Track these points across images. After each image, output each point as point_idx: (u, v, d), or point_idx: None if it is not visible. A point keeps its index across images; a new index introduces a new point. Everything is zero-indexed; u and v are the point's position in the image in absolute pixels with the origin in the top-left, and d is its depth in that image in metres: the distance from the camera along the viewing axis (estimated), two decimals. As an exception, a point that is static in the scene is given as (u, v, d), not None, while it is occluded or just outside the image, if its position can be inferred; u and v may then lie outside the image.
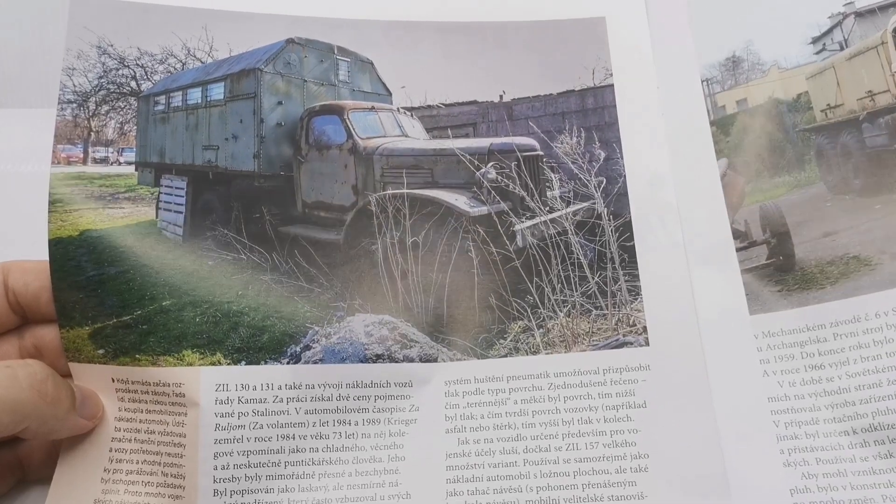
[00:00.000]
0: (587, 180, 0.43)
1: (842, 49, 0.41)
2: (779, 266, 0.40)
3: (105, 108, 0.43)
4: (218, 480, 0.36)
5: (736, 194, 0.41)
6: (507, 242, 0.42)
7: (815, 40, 0.41)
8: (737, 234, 0.40)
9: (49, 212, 0.38)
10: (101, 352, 0.37)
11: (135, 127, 0.43)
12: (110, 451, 0.36)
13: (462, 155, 0.44)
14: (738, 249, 0.39)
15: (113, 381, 0.37)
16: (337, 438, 0.37)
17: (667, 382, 0.38)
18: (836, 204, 0.40)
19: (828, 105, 0.42)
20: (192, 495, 0.35)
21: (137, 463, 0.36)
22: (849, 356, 0.36)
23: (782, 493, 0.35)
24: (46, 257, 0.37)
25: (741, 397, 0.37)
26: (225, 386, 0.37)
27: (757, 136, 0.41)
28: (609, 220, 0.42)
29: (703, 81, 0.43)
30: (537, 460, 0.37)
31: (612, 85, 0.44)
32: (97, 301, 0.38)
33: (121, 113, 0.44)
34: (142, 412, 0.37)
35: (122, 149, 0.43)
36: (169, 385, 0.36)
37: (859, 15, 0.40)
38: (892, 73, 0.40)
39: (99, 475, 0.36)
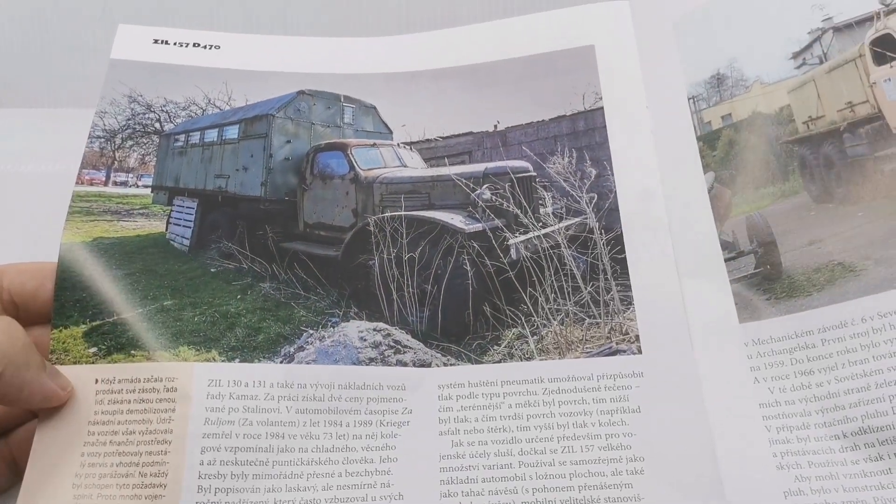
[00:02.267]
0: (579, 197, 0.43)
1: (821, 62, 0.41)
2: (766, 275, 0.39)
3: (130, 143, 0.45)
4: (203, 476, 0.33)
5: (723, 206, 0.41)
6: (502, 255, 0.42)
7: (795, 55, 0.41)
8: (725, 245, 0.39)
9: (67, 220, 0.39)
10: (92, 350, 0.36)
11: (154, 158, 0.45)
12: (82, 455, 0.34)
13: (458, 179, 0.45)
14: (726, 260, 0.39)
15: (96, 381, 0.35)
16: (327, 439, 0.35)
17: (660, 389, 0.36)
18: (820, 212, 0.40)
19: (809, 117, 0.41)
20: (174, 493, 0.33)
21: (112, 466, 0.34)
22: (837, 361, 0.34)
23: (776, 495, 0.33)
24: (46, 257, 0.37)
25: (733, 403, 0.35)
26: (217, 381, 0.35)
27: (741, 149, 0.41)
28: (601, 233, 0.41)
29: (689, 99, 0.43)
30: (532, 462, 0.35)
31: (602, 108, 0.44)
32: (100, 299, 0.37)
33: (143, 147, 0.45)
34: (122, 413, 0.35)
35: (141, 175, 0.44)
36: (161, 380, 0.35)
37: (837, 30, 0.41)
38: (871, 84, 0.39)
39: (70, 481, 0.34)
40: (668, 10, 0.44)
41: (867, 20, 0.39)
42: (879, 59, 0.39)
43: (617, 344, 0.38)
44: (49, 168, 0.58)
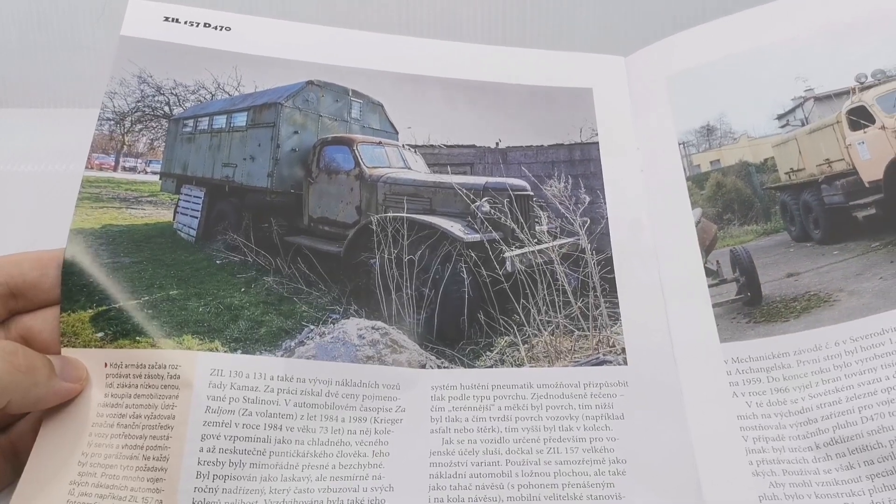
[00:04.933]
0: (573, 219, 0.44)
1: (803, 125, 0.43)
2: (747, 301, 0.40)
3: (139, 126, 0.44)
4: (202, 463, 0.33)
5: (709, 239, 0.42)
6: (497, 267, 0.42)
7: (780, 117, 0.44)
8: (709, 273, 0.41)
9: (76, 206, 0.39)
10: (99, 335, 0.36)
11: (163, 143, 0.44)
12: (89, 435, 0.34)
13: (459, 189, 0.45)
14: (710, 286, 0.40)
15: (105, 365, 0.35)
16: (323, 433, 0.35)
17: (644, 398, 0.37)
18: (799, 250, 0.42)
19: (791, 169, 0.44)
20: (174, 477, 0.33)
21: (118, 448, 0.34)
22: (811, 380, 0.36)
23: (752, 499, 0.34)
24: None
25: (713, 415, 0.37)
26: (220, 371, 0.35)
27: (728, 191, 0.44)
28: (592, 254, 0.42)
29: (680, 144, 0.45)
30: (519, 461, 0.36)
31: (597, 143, 0.45)
32: (107, 286, 0.37)
33: (152, 131, 0.45)
34: (130, 397, 0.35)
35: (150, 160, 0.43)
36: (165, 367, 0.35)
37: (818, 99, 0.43)
38: (847, 145, 0.42)
39: (76, 458, 0.33)
40: (662, 68, 0.46)
41: (844, 93, 0.42)
42: (854, 126, 0.42)
43: (604, 355, 0.39)
44: (49, 168, 0.57)
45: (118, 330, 0.36)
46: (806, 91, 0.43)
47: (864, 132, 0.42)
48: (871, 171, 0.41)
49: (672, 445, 0.36)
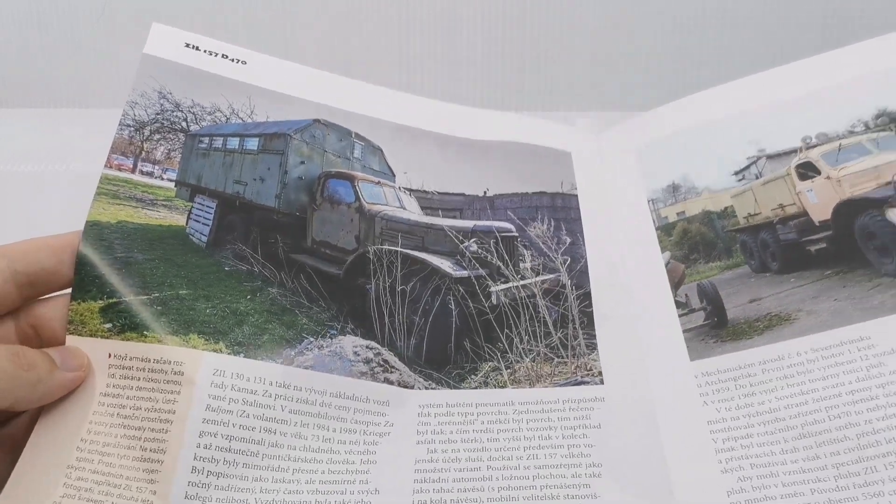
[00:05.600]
0: (554, 258, 0.48)
1: (757, 178, 0.49)
2: (714, 325, 0.44)
3: (157, 136, 0.46)
4: (198, 458, 0.35)
5: (677, 277, 0.47)
6: (483, 300, 0.45)
7: (736, 173, 0.50)
8: (679, 305, 0.45)
9: (94, 200, 0.40)
10: (108, 326, 0.37)
11: (179, 154, 0.46)
12: (90, 423, 0.35)
13: (449, 231, 0.48)
14: (680, 315, 0.44)
15: (109, 356, 0.36)
16: (315, 441, 0.37)
17: (619, 410, 0.41)
18: (759, 280, 0.47)
19: (748, 214, 0.49)
20: (170, 469, 0.34)
21: (116, 437, 0.35)
22: (776, 385, 0.39)
23: (720, 494, 0.36)
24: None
25: (683, 422, 0.40)
26: (222, 372, 0.37)
27: (693, 235, 0.49)
28: (572, 289, 0.46)
29: (649, 201, 0.50)
30: (500, 466, 0.38)
31: (577, 195, 0.50)
32: (119, 279, 0.38)
33: (170, 142, 0.47)
34: (132, 389, 0.36)
35: (167, 168, 0.45)
36: (170, 363, 0.36)
37: (769, 157, 0.49)
38: (797, 192, 0.48)
39: (75, 444, 0.34)
40: (634, 141, 0.53)
41: (792, 152, 0.48)
42: (803, 177, 0.48)
43: (581, 377, 0.43)
44: (49, 168, 0.58)
45: (126, 323, 0.37)
46: (759, 151, 0.49)
47: (812, 182, 0.47)
48: (820, 213, 0.47)
49: (645, 450, 0.39)
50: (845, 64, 0.47)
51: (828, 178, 0.46)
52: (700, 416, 0.39)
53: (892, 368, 0.36)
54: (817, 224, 0.46)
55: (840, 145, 0.46)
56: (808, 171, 0.47)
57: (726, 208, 0.49)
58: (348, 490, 0.36)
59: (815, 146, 0.47)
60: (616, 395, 0.41)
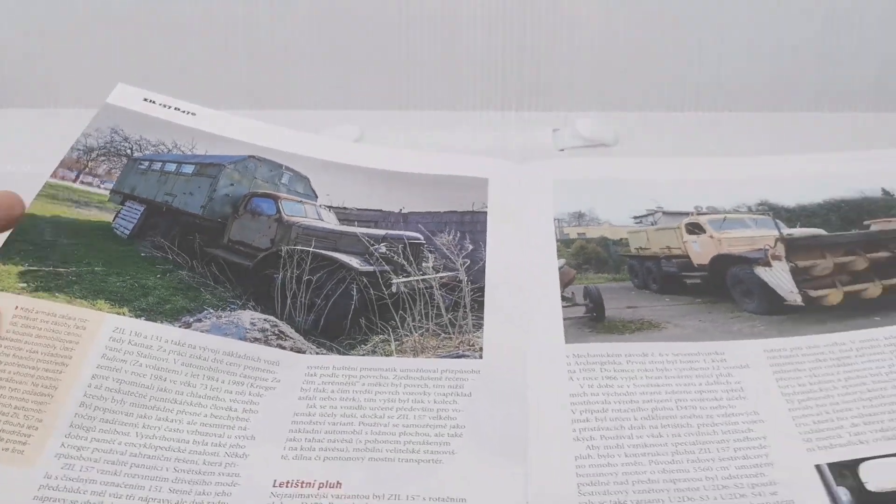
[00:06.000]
0: (455, 260, 0.52)
1: (652, 224, 0.58)
2: (592, 318, 0.49)
3: (102, 158, 0.53)
4: (88, 395, 0.38)
5: (568, 279, 0.52)
6: (384, 289, 0.49)
7: (635, 217, 0.58)
8: (564, 300, 0.50)
9: (34, 199, 0.46)
10: (22, 285, 0.42)
11: (119, 171, 0.52)
12: None
13: (362, 236, 0.53)
14: (563, 307, 0.49)
15: (16, 308, 0.40)
16: (202, 388, 0.40)
17: (491, 381, 0.43)
18: (639, 294, 0.53)
19: (639, 247, 0.57)
20: (59, 402, 0.37)
21: (10, 373, 0.38)
22: (637, 374, 0.44)
23: (568, 458, 0.39)
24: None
25: (548, 394, 0.43)
26: (122, 330, 0.41)
27: (589, 252, 0.56)
28: (468, 283, 0.50)
29: (554, 220, 0.57)
30: (371, 423, 0.41)
31: (486, 212, 0.55)
32: (43, 255, 0.44)
33: (112, 163, 0.53)
34: (31, 336, 0.39)
35: (105, 181, 0.51)
36: (74, 319, 0.40)
37: (666, 213, 0.58)
38: (684, 241, 0.56)
39: None
40: (550, 175, 0.61)
41: (685, 213, 0.57)
42: (690, 232, 0.56)
43: (463, 351, 0.46)
44: (48, 168, 0.58)
45: (40, 285, 0.42)
46: (657, 207, 0.59)
47: (698, 236, 0.56)
48: (700, 259, 0.55)
49: (509, 416, 0.41)
50: (743, 165, 0.58)
51: (711, 237, 0.56)
52: (564, 389, 0.43)
53: (738, 379, 0.42)
54: (696, 266, 0.55)
55: (725, 217, 0.56)
56: (695, 229, 0.57)
57: (622, 239, 0.57)
58: (226, 434, 0.38)
59: (704, 214, 0.57)
60: (491, 368, 0.44)
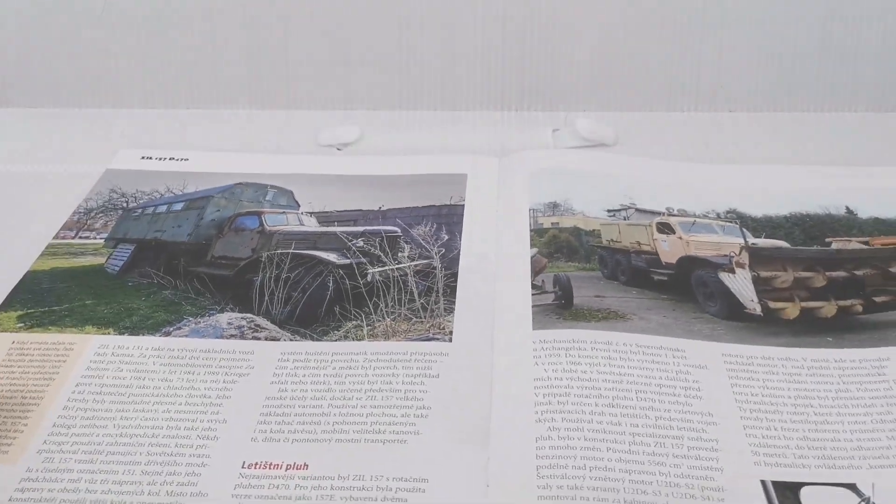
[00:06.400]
0: (430, 249, 0.53)
1: (625, 219, 0.59)
2: (560, 306, 0.50)
3: (100, 215, 0.58)
4: (71, 400, 0.41)
5: (539, 267, 0.54)
6: (360, 279, 0.51)
7: (609, 211, 0.60)
8: (534, 287, 0.51)
9: (36, 258, 0.52)
10: (20, 325, 0.46)
11: (114, 222, 0.57)
12: None
13: (341, 234, 0.56)
14: (533, 294, 0.50)
15: (12, 343, 0.45)
16: (179, 381, 0.43)
17: (459, 364, 0.44)
18: (607, 284, 0.54)
19: (611, 239, 0.58)
20: (44, 407, 0.40)
21: (1, 396, 0.41)
22: (601, 361, 0.44)
23: (529, 440, 0.39)
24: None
25: (514, 377, 0.43)
26: (106, 345, 0.45)
27: (561, 241, 0.57)
28: (441, 270, 0.51)
29: (529, 210, 0.59)
30: (340, 405, 0.41)
31: (463, 205, 0.57)
32: (40, 299, 0.49)
33: (109, 217, 0.59)
34: (24, 362, 0.43)
35: (101, 232, 0.57)
36: (63, 344, 0.45)
37: (638, 210, 0.60)
38: (654, 238, 0.58)
39: None
40: (527, 166, 0.63)
41: (657, 213, 0.59)
42: (660, 231, 0.58)
43: (433, 335, 0.47)
44: (48, 168, 0.62)
45: (35, 323, 0.46)
46: (630, 203, 0.60)
47: (667, 236, 0.57)
48: (668, 257, 0.56)
49: (474, 398, 0.41)
50: (716, 172, 0.62)
51: (680, 238, 0.57)
52: (529, 373, 0.43)
53: (696, 378, 0.43)
54: (664, 264, 0.56)
55: (695, 221, 0.57)
56: (665, 229, 0.58)
57: (594, 230, 0.58)
58: (199, 419, 0.40)
59: (675, 216, 0.59)
60: (460, 351, 0.45)
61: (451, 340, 0.45)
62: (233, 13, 0.69)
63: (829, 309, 0.49)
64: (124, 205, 0.61)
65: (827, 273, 0.51)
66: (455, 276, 0.51)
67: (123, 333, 0.46)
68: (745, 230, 0.55)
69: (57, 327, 0.46)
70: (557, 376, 0.42)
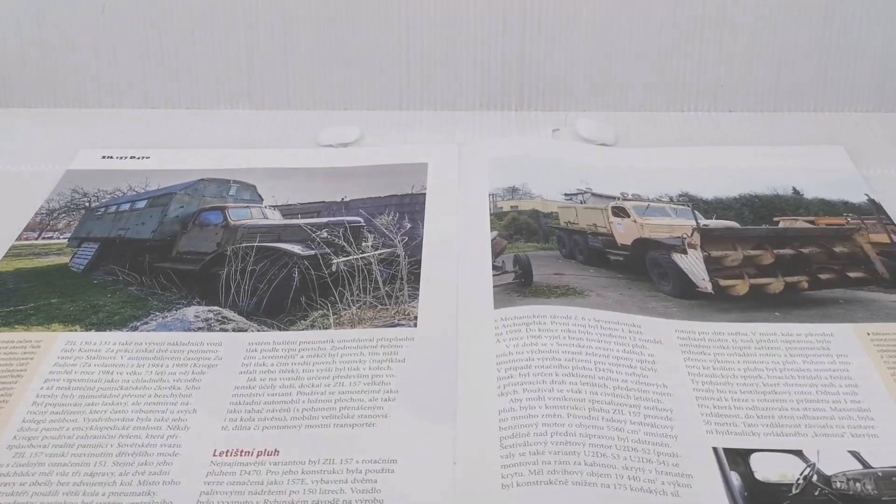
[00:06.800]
0: (393, 237, 0.55)
1: (582, 203, 0.62)
2: (520, 284, 0.52)
3: (63, 215, 0.59)
4: (40, 396, 0.42)
5: (499, 248, 0.56)
6: (325, 269, 0.52)
7: (566, 195, 0.62)
8: (495, 269, 0.53)
9: (1, 259, 0.52)
10: (-15, 326, 0.46)
11: (77, 222, 0.58)
12: None
13: (304, 226, 0.57)
14: (494, 275, 0.52)
15: None
16: (147, 374, 0.44)
17: (425, 348, 0.46)
18: (566, 263, 0.57)
19: (569, 221, 0.60)
20: (13, 404, 0.41)
21: None
22: (560, 334, 0.46)
23: (492, 413, 0.41)
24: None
25: (477, 356, 0.45)
26: (73, 342, 0.46)
27: (521, 223, 0.59)
28: (405, 258, 0.53)
29: (489, 195, 0.60)
30: (308, 392, 0.43)
31: (425, 193, 0.58)
32: (5, 300, 0.49)
33: (72, 217, 0.59)
34: None
35: (64, 232, 0.57)
36: (30, 342, 0.45)
37: (594, 194, 0.62)
38: (609, 221, 0.60)
39: None
40: (486, 153, 0.65)
41: (613, 197, 0.61)
42: (616, 214, 0.60)
43: (399, 321, 0.48)
44: (48, 168, 0.62)
45: (1, 322, 0.47)
46: (587, 188, 0.63)
47: (622, 219, 0.59)
48: (623, 239, 0.59)
49: (440, 380, 0.43)
50: (668, 155, 0.64)
51: (634, 221, 0.59)
52: (492, 350, 0.45)
53: (651, 352, 0.45)
54: (619, 245, 0.59)
55: (648, 205, 0.59)
56: (620, 212, 0.60)
57: (552, 212, 0.61)
58: (169, 410, 0.41)
59: (630, 200, 0.61)
60: (425, 335, 0.46)
61: (416, 325, 0.47)
62: (233, 13, 0.69)
63: (776, 285, 0.51)
64: (87, 204, 0.61)
65: (775, 251, 0.54)
66: (419, 263, 0.52)
67: (90, 330, 0.46)
68: (696, 212, 0.58)
69: (23, 326, 0.46)
70: (518, 350, 0.44)
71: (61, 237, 0.57)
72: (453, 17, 0.69)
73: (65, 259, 0.55)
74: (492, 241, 0.54)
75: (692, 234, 0.55)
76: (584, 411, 0.40)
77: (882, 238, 0.55)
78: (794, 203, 0.59)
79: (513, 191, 0.60)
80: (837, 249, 0.54)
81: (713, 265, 0.52)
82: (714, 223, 0.57)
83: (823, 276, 0.52)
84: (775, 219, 0.58)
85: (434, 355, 0.44)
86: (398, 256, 0.54)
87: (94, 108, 0.72)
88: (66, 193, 0.61)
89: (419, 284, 0.50)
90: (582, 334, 0.45)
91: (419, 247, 0.54)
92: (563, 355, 0.44)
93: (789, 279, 0.51)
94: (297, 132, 0.69)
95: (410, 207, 0.59)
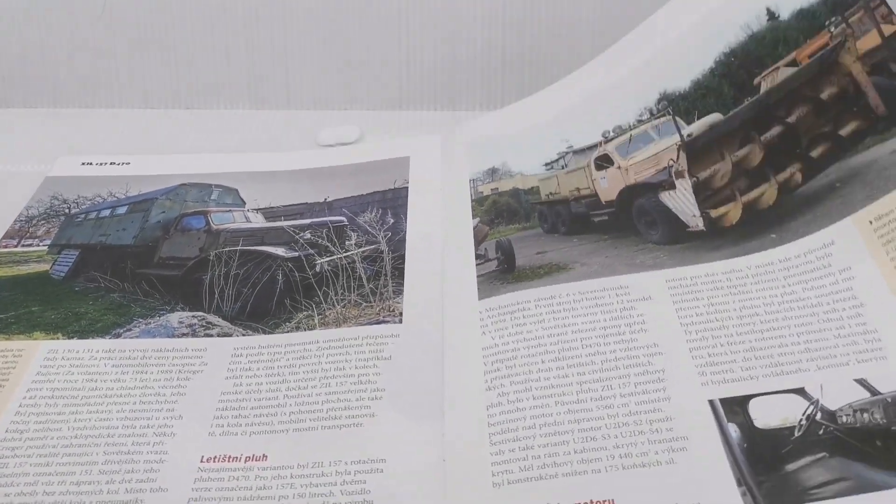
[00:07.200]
0: (376, 234, 0.55)
1: (563, 168, 0.60)
2: (503, 271, 0.51)
3: (42, 222, 0.58)
4: (23, 405, 0.42)
5: (481, 236, 0.55)
6: (309, 269, 0.52)
7: (546, 164, 0.61)
8: (478, 257, 0.53)
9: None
10: (-34, 335, 0.46)
11: (57, 228, 0.57)
12: None
13: (288, 228, 0.57)
14: (477, 265, 0.52)
15: None
16: (132, 381, 0.43)
17: (411, 344, 0.46)
18: (548, 238, 0.56)
19: (550, 192, 0.60)
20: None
21: None
22: (544, 317, 0.45)
23: (480, 409, 0.40)
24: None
25: (463, 351, 0.45)
26: (55, 350, 0.45)
27: (501, 205, 0.59)
28: (388, 253, 0.53)
29: (470, 180, 0.60)
30: (295, 394, 0.43)
31: (408, 187, 0.58)
32: None
33: (51, 223, 0.58)
34: None
35: (44, 239, 0.57)
36: (12, 350, 0.45)
37: (575, 152, 0.60)
38: (593, 179, 0.58)
39: None
40: (464, 136, 0.64)
41: (594, 146, 0.59)
42: (599, 168, 0.58)
43: (384, 318, 0.48)
44: (48, 168, 0.62)
45: (-19, 332, 0.46)
46: (567, 147, 0.61)
47: (606, 171, 0.57)
48: (608, 195, 0.57)
49: (427, 376, 0.43)
50: (630, 52, 0.58)
51: (618, 167, 0.57)
52: (477, 343, 0.45)
53: (640, 312, 0.43)
54: (604, 203, 0.57)
55: (630, 136, 0.55)
56: (604, 162, 0.58)
57: (533, 188, 0.60)
58: (155, 417, 0.41)
59: (612, 139, 0.58)
60: (411, 331, 0.46)
61: (401, 321, 0.47)
62: (233, 13, 0.69)
63: (770, 193, 0.48)
64: (66, 211, 0.61)
65: (763, 138, 0.49)
66: (402, 258, 0.52)
67: (72, 337, 0.46)
68: (678, 120, 0.53)
69: (4, 335, 0.46)
70: (504, 341, 0.44)
71: (41, 244, 0.57)
72: (453, 18, 0.70)
73: (45, 266, 0.54)
74: (474, 228, 0.54)
75: (678, 158, 0.50)
76: (571, 396, 0.40)
77: (872, 41, 0.48)
78: (773, 37, 0.52)
79: (492, 172, 0.60)
80: (825, 95, 0.49)
81: (703, 192, 0.49)
82: (698, 127, 0.52)
83: (816, 154, 0.48)
84: (756, 81, 0.52)
85: (420, 351, 0.45)
86: (381, 252, 0.54)
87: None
88: (46, 200, 0.60)
89: (403, 280, 0.50)
90: (566, 312, 0.44)
91: (403, 242, 0.54)
92: (548, 339, 0.43)
93: (781, 176, 0.48)
94: (295, 132, 0.68)
95: (393, 202, 0.59)
